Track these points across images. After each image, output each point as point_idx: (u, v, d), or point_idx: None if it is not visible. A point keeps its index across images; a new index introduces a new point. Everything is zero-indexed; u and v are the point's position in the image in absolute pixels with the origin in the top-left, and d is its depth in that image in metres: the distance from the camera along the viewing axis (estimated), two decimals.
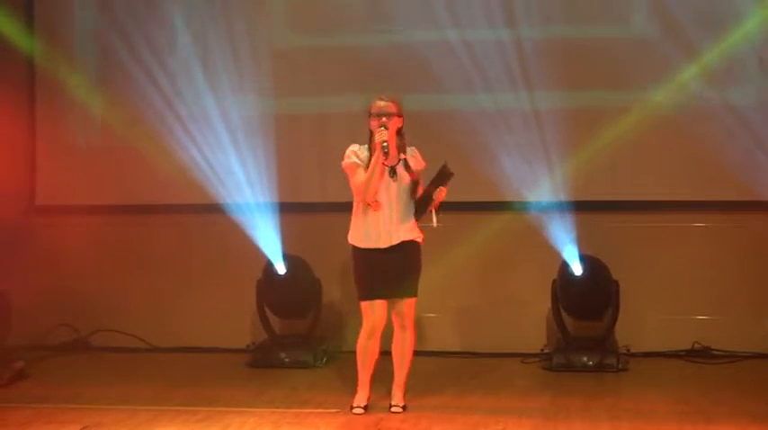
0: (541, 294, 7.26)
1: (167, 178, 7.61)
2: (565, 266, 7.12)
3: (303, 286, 7.34)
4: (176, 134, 7.66)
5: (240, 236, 7.37)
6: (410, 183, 5.77)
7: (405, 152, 5.80)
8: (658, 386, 6.48)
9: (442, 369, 7.04)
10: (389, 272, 5.70)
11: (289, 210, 7.48)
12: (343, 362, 6.89)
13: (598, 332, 7.14)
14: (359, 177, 5.70)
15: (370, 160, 5.69)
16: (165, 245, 7.88)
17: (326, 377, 6.86)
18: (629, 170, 7.40)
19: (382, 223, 5.70)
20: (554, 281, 7.19)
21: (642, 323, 7.34)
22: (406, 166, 5.77)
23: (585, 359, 6.92)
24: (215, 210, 7.50)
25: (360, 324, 5.80)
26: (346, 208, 5.85)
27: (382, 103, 5.73)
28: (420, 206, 5.79)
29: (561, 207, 7.19)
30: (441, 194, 5.73)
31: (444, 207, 5.80)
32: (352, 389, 5.90)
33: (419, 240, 5.82)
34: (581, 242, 7.10)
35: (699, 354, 7.19)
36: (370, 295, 5.73)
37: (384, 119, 5.67)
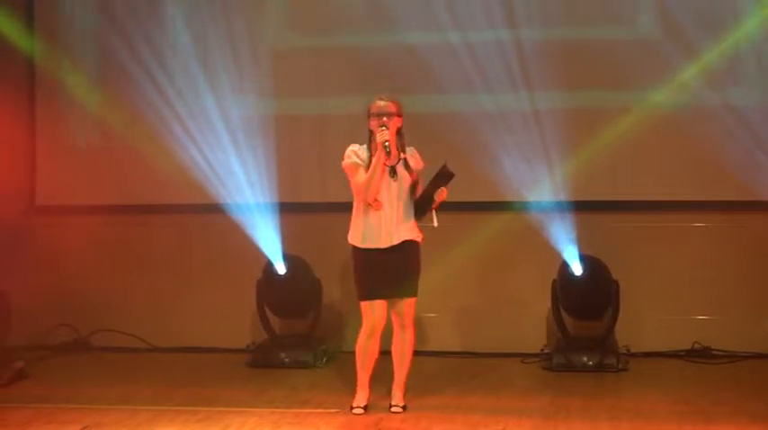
0: (541, 294, 7.26)
1: (167, 178, 7.61)
2: (565, 266, 7.12)
3: (303, 286, 7.34)
4: (176, 134, 7.66)
5: (240, 236, 7.37)
6: (410, 182, 5.77)
7: (404, 152, 5.81)
8: (658, 386, 6.48)
9: (442, 369, 7.04)
10: (389, 272, 5.70)
11: (289, 210, 7.48)
12: (343, 362, 6.89)
13: (598, 332, 7.14)
14: (360, 177, 5.70)
15: (370, 160, 5.70)
16: (165, 245, 7.89)
17: (326, 377, 6.86)
18: (629, 170, 7.40)
19: (383, 223, 5.70)
20: (554, 281, 7.20)
21: (642, 323, 7.34)
22: (406, 166, 5.77)
23: (585, 359, 6.92)
24: (215, 210, 7.50)
25: (359, 324, 5.80)
26: (346, 208, 5.85)
27: (382, 103, 5.73)
28: (420, 206, 5.79)
29: (561, 207, 7.19)
30: (442, 195, 5.74)
31: (444, 207, 5.80)
32: (352, 389, 5.90)
33: (419, 240, 5.82)
34: (581, 242, 7.10)
35: (699, 354, 7.19)
36: (369, 295, 5.73)
37: (384, 118, 5.67)
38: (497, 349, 7.35)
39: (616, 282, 7.12)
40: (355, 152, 5.76)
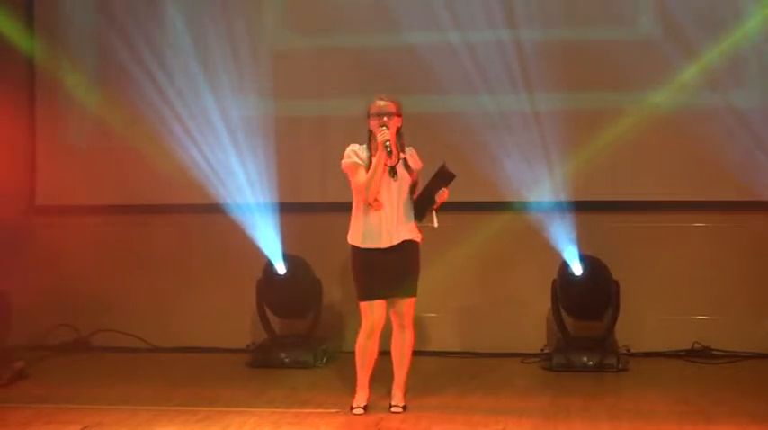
0: (541, 294, 7.26)
1: (167, 178, 7.61)
2: (565, 266, 7.12)
3: (303, 286, 7.34)
4: (176, 134, 7.66)
5: (240, 236, 7.37)
6: (410, 182, 5.77)
7: (404, 151, 5.81)
8: (658, 386, 6.48)
9: (442, 369, 7.04)
10: (389, 272, 5.70)
11: (289, 210, 7.48)
12: (343, 362, 6.89)
13: (598, 332, 7.14)
14: (360, 177, 5.70)
15: (370, 160, 5.69)
16: (165, 245, 7.89)
17: (326, 377, 6.86)
18: (629, 170, 7.40)
19: (383, 223, 5.70)
20: (554, 281, 7.20)
21: (642, 323, 7.34)
22: (406, 166, 5.77)
23: (585, 359, 6.92)
24: (215, 210, 7.51)
25: (359, 324, 5.79)
26: (346, 208, 5.85)
27: (382, 103, 5.73)
28: (420, 207, 5.79)
29: (561, 207, 7.19)
30: (443, 196, 5.74)
31: (444, 207, 5.80)
32: (352, 389, 5.90)
33: (418, 240, 5.82)
34: (581, 242, 7.10)
35: (699, 354, 7.19)
36: (369, 295, 5.73)
37: (385, 118, 5.67)
38: (497, 349, 7.35)
39: (616, 282, 7.12)
40: (355, 152, 5.75)
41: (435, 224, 5.79)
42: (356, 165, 5.72)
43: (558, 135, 7.27)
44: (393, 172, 5.71)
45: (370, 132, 5.73)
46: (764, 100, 7.25)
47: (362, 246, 5.74)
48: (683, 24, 7.19)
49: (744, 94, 7.26)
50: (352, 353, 5.86)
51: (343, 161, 5.76)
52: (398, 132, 5.77)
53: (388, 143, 5.60)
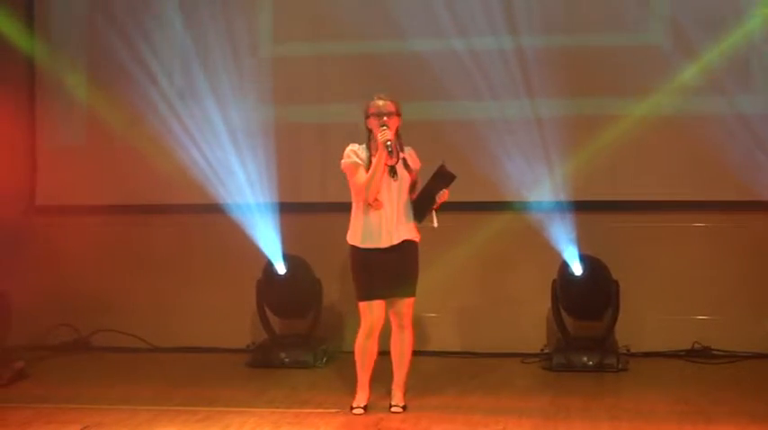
0: (541, 294, 7.26)
1: (167, 178, 7.61)
2: (565, 266, 7.12)
3: (303, 286, 7.34)
4: (176, 134, 7.66)
5: (240, 236, 7.37)
6: (410, 182, 5.77)
7: (403, 151, 5.81)
8: (658, 386, 6.48)
9: (442, 369, 7.04)
10: (389, 272, 5.70)
11: (289, 210, 7.48)
12: (343, 362, 6.88)
13: (598, 332, 7.13)
14: (360, 177, 5.69)
15: (369, 160, 5.69)
16: (165, 245, 7.89)
17: (326, 377, 6.86)
18: (629, 170, 7.40)
19: (383, 223, 5.70)
20: (554, 281, 7.19)
21: (642, 323, 7.34)
22: (406, 166, 5.77)
23: (585, 359, 6.92)
24: (215, 210, 7.51)
25: (359, 324, 5.79)
26: (346, 208, 5.85)
27: (381, 103, 5.73)
28: (418, 207, 5.78)
29: (561, 207, 7.19)
30: (443, 196, 5.74)
31: (444, 207, 5.80)
32: (352, 389, 5.90)
33: (417, 240, 5.82)
34: (581, 242, 7.10)
35: (699, 354, 7.19)
36: (368, 295, 5.72)
37: (385, 118, 5.67)
38: (497, 349, 7.35)
39: (616, 282, 7.12)
40: (355, 152, 5.75)
41: (435, 224, 5.79)
42: (356, 165, 5.72)
43: (559, 135, 7.27)
44: (393, 171, 5.71)
45: (369, 132, 5.73)
46: (765, 100, 7.24)
47: (362, 245, 5.74)
48: (684, 29, 7.18)
49: (744, 94, 7.25)
50: (352, 353, 5.86)
51: (342, 161, 5.76)
52: (397, 132, 5.76)
53: (389, 143, 5.59)
